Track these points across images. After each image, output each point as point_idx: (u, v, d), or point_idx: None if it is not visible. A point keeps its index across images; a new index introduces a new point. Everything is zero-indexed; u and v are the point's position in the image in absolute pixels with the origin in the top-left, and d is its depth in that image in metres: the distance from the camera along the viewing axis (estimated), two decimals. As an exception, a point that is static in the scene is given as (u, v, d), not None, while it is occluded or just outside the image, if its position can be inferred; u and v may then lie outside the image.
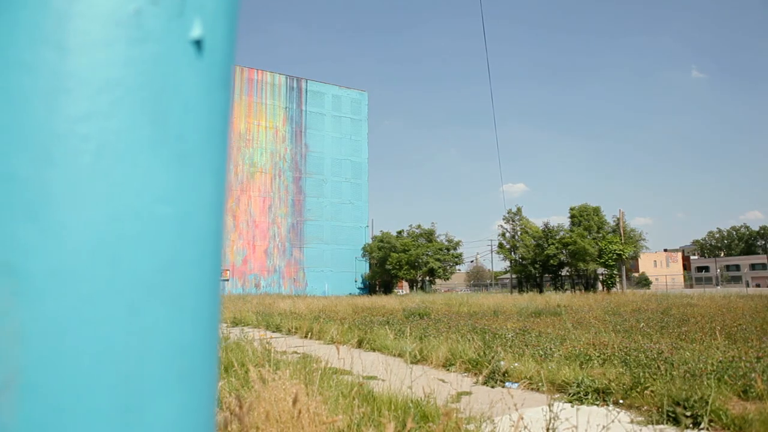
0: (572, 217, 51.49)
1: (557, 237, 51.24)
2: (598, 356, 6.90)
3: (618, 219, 49.81)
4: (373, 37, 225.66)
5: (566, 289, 51.66)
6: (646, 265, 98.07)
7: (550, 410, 2.77)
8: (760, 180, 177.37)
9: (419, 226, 63.82)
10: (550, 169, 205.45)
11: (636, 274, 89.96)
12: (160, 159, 0.45)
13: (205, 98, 0.47)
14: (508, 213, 55.09)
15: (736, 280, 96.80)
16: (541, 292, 48.56)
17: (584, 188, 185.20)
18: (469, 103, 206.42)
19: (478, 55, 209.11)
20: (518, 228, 54.57)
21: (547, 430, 2.76)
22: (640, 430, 3.54)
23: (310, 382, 4.18)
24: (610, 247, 47.09)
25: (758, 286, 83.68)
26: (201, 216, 0.45)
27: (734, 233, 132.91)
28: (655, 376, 5.59)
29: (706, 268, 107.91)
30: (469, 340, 8.27)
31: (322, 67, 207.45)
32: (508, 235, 55.39)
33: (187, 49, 0.48)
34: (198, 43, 0.48)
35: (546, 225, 53.59)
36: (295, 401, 2.60)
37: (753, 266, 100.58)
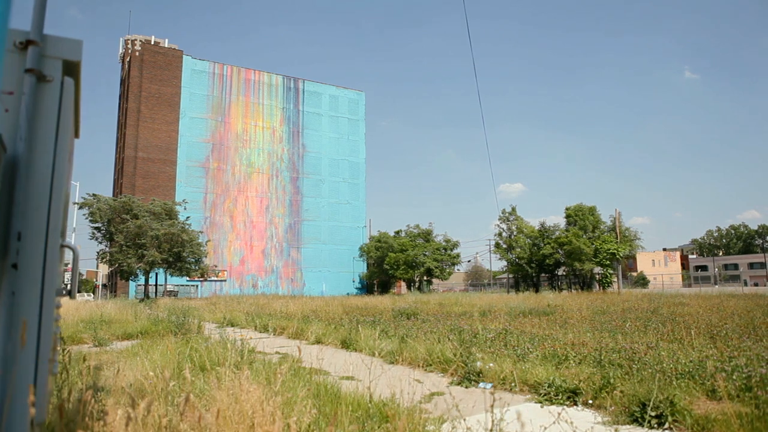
0: (568, 216, 51.53)
1: (553, 237, 51.26)
2: (575, 356, 6.91)
3: (614, 219, 49.83)
4: (370, 37, 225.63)
5: (563, 289, 51.69)
6: (644, 264, 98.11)
7: (492, 413, 2.78)
8: (758, 180, 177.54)
9: (417, 226, 63.82)
10: (548, 168, 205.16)
11: (634, 274, 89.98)
12: None
13: None
14: (503, 213, 55.17)
15: (735, 279, 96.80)
16: (537, 291, 48.59)
17: (583, 188, 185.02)
18: (467, 103, 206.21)
19: (475, 55, 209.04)
20: (514, 228, 54.62)
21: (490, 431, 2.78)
22: (592, 429, 3.55)
23: (272, 383, 4.19)
24: (605, 246, 47.10)
25: (756, 285, 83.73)
26: None
27: (733, 232, 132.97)
28: (626, 376, 5.61)
29: (705, 267, 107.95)
30: (450, 340, 8.29)
31: (319, 67, 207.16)
32: (504, 234, 55.42)
33: None
34: None
35: (542, 225, 53.62)
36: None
37: (751, 265, 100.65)
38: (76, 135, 2.59)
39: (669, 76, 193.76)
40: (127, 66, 63.27)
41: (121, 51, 67.55)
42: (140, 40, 61.85)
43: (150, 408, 2.93)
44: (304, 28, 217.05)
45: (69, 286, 2.04)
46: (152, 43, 62.79)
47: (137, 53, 61.00)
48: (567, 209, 51.71)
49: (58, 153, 1.84)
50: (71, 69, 1.92)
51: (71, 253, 2.09)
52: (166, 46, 63.92)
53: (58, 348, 2.25)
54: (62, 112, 1.86)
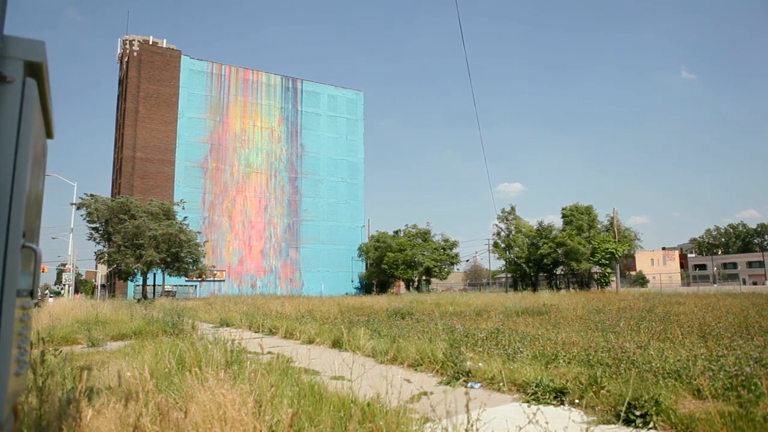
0: (564, 216, 51.55)
1: (551, 236, 51.29)
2: (564, 356, 6.92)
3: (611, 218, 49.84)
4: (369, 37, 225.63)
5: (560, 288, 51.70)
6: (643, 263, 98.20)
7: (469, 413, 2.78)
8: (756, 179, 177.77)
9: (415, 226, 63.88)
10: (547, 168, 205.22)
11: (633, 273, 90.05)
12: None
13: None
14: (501, 212, 55.24)
15: (733, 278, 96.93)
16: (535, 291, 48.60)
17: (582, 187, 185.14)
18: (466, 103, 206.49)
19: (474, 55, 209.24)
20: (512, 228, 54.66)
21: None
22: (566, 429, 3.55)
23: (252, 383, 4.19)
24: (602, 245, 47.10)
25: (755, 283, 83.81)
26: None
27: (732, 231, 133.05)
28: (613, 376, 5.62)
29: (703, 266, 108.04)
30: (442, 340, 8.29)
31: (318, 67, 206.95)
32: (503, 234, 55.45)
33: None
34: None
35: (540, 224, 53.65)
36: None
37: (750, 264, 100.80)
38: (49, 136, 2.58)
39: (667, 75, 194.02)
40: (125, 66, 63.24)
41: (119, 51, 67.55)
42: (138, 41, 61.83)
43: (128, 409, 2.93)
44: (303, 28, 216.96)
45: (33, 287, 2.03)
46: (150, 43, 62.77)
47: (135, 53, 60.96)
48: (563, 209, 51.76)
49: (20, 154, 1.84)
50: (34, 70, 1.92)
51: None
52: (164, 46, 63.90)
53: (27, 348, 2.25)
54: (24, 112, 1.86)
